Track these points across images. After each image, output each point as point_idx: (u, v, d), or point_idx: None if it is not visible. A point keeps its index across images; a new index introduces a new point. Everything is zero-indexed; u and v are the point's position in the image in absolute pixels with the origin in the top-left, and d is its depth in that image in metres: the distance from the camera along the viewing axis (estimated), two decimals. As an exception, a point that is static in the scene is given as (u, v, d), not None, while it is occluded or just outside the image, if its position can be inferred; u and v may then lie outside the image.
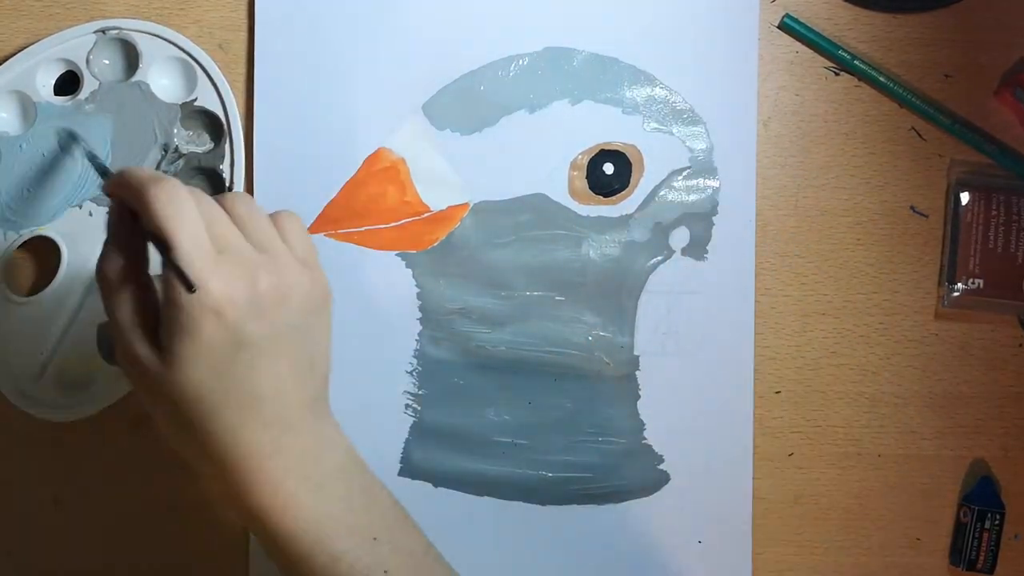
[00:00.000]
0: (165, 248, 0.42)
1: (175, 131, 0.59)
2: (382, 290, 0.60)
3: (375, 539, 0.46)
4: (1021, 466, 0.62)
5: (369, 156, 0.60)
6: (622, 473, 0.60)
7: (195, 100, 0.59)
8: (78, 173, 0.58)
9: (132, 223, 0.44)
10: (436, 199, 0.60)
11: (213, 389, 0.43)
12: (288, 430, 0.45)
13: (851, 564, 0.62)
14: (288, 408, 0.45)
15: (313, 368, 0.46)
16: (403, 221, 0.60)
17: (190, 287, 0.41)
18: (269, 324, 0.43)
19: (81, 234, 0.58)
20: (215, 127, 0.59)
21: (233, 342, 0.42)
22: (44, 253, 0.59)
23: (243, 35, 0.60)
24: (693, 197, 0.61)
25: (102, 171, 0.51)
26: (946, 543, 0.62)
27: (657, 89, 0.61)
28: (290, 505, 0.45)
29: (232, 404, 0.43)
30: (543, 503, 0.61)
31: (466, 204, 0.60)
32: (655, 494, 0.61)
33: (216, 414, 0.43)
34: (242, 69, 0.60)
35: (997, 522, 0.61)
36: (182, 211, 0.42)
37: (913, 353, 0.62)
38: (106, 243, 0.45)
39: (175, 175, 0.58)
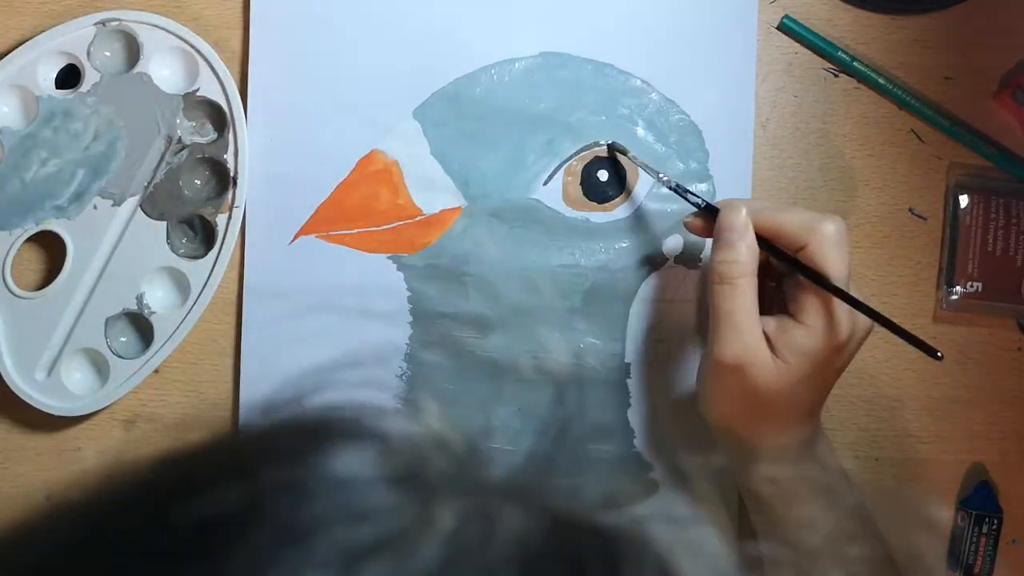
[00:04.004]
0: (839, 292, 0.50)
1: (178, 122, 0.59)
2: (373, 293, 0.60)
3: None
4: (1019, 471, 0.62)
5: (362, 158, 0.59)
6: (611, 481, 0.60)
7: (197, 90, 0.59)
8: (82, 168, 0.58)
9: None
10: (429, 202, 0.60)
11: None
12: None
13: (847, 568, 0.62)
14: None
15: None
16: (395, 224, 0.60)
17: (935, 354, 0.49)
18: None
19: (87, 229, 0.58)
20: (218, 117, 0.59)
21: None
22: (50, 248, 0.60)
23: (239, 32, 0.60)
24: (688, 205, 0.60)
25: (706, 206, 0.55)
26: (944, 548, 0.62)
27: (653, 95, 0.60)
28: None
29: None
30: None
31: (459, 208, 0.60)
32: (644, 503, 0.60)
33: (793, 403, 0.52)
34: (237, 67, 0.60)
35: (995, 527, 0.61)
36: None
37: (911, 356, 0.62)
38: (738, 241, 0.51)
39: (180, 167, 0.58)
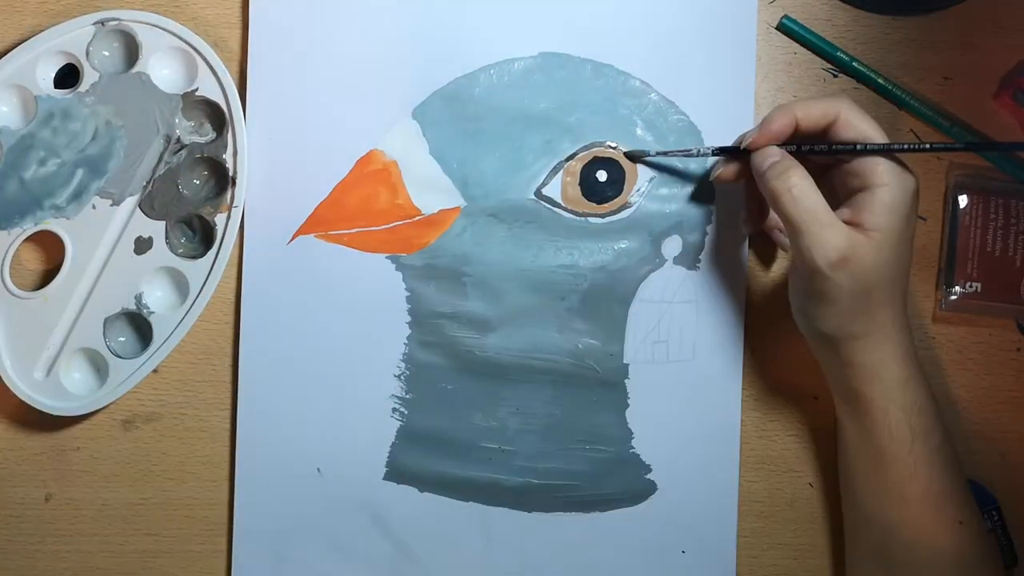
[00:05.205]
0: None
1: (177, 121, 0.59)
2: (372, 293, 0.60)
3: None
4: (1019, 471, 0.62)
5: (361, 158, 0.59)
6: (609, 482, 0.60)
7: (196, 90, 0.59)
8: (81, 168, 0.58)
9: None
10: (428, 202, 0.60)
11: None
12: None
13: (847, 569, 0.62)
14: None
15: None
16: (394, 224, 0.60)
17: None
18: None
19: (86, 229, 0.58)
20: (217, 116, 0.59)
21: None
22: (49, 248, 0.60)
23: (238, 32, 0.60)
24: (687, 205, 0.60)
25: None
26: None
27: (652, 96, 0.60)
28: None
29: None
30: (529, 510, 0.61)
31: (457, 208, 0.60)
32: (642, 503, 0.61)
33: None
34: (236, 67, 0.60)
35: (996, 519, 0.61)
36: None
37: (910, 357, 0.62)
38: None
39: (179, 167, 0.58)
